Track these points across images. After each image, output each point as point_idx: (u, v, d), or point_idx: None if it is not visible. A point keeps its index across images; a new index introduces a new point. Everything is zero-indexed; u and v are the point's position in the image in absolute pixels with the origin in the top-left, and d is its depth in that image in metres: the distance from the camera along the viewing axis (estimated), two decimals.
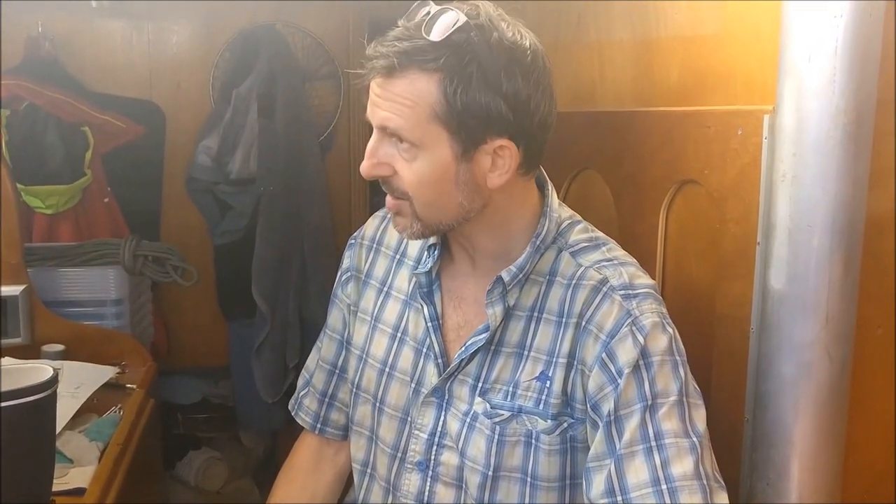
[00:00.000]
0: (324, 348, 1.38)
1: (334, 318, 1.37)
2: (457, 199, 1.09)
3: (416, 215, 1.10)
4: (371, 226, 1.34)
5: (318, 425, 1.38)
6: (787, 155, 1.13)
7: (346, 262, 1.35)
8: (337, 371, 1.36)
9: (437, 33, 1.01)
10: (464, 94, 1.02)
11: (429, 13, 1.03)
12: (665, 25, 1.49)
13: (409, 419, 1.21)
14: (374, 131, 1.09)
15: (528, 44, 1.06)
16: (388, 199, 1.13)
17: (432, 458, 1.19)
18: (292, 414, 1.42)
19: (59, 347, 1.93)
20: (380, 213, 1.34)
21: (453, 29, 1.01)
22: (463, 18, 1.02)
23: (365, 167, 1.09)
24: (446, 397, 1.18)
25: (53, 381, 1.04)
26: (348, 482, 1.40)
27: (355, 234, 1.36)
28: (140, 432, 1.72)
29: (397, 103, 1.04)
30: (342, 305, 1.35)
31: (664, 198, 1.44)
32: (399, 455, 1.22)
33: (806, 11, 1.10)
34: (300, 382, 1.42)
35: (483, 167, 1.08)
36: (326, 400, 1.37)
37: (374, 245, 1.32)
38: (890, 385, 1.24)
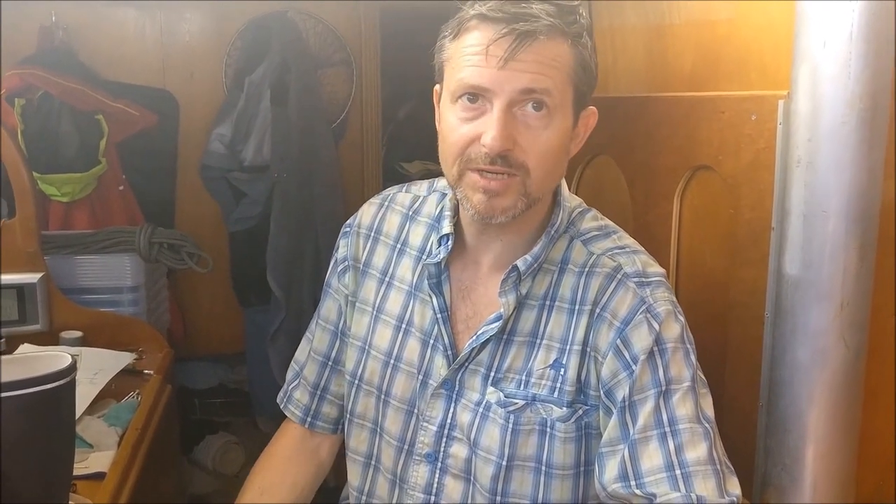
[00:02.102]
0: (316, 339, 1.35)
1: (328, 308, 1.33)
2: (562, 168, 1.12)
3: (524, 192, 1.06)
4: (368, 213, 1.31)
5: (309, 418, 1.35)
6: (802, 140, 1.13)
7: (341, 251, 1.31)
8: (330, 363, 1.33)
9: None
10: (587, 59, 1.07)
11: None
12: (678, 11, 1.49)
13: (415, 411, 1.20)
14: (500, 102, 1.02)
15: None
16: (488, 179, 1.05)
17: (441, 449, 1.18)
18: (280, 407, 1.38)
19: (77, 334, 1.95)
20: (376, 201, 1.32)
21: None
22: None
23: (499, 139, 1.02)
24: (456, 388, 1.17)
25: (72, 369, 1.05)
26: (337, 478, 1.39)
27: (350, 221, 1.32)
28: (158, 417, 1.74)
29: (545, 65, 1.03)
30: (337, 296, 1.32)
31: (678, 184, 1.44)
32: (406, 447, 1.21)
33: None
34: (289, 375, 1.39)
35: (572, 136, 1.11)
36: (318, 392, 1.34)
37: (372, 234, 1.29)
38: None
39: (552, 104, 1.04)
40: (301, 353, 1.39)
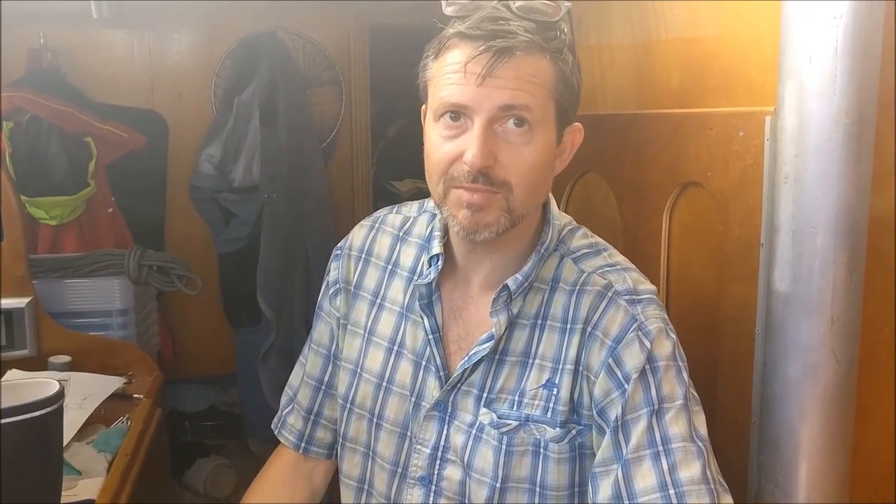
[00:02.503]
0: (308, 364, 1.34)
1: (320, 332, 1.32)
2: (547, 185, 1.12)
3: (507, 208, 1.05)
4: (359, 236, 1.30)
5: (303, 444, 1.34)
6: (789, 156, 1.13)
7: (332, 274, 1.30)
8: (323, 387, 1.32)
9: (552, 14, 1.04)
10: (572, 76, 1.07)
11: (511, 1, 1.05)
12: (665, 27, 1.49)
13: (408, 434, 1.19)
14: (482, 118, 1.02)
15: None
16: (472, 195, 1.04)
17: (435, 472, 1.17)
18: (275, 433, 1.37)
19: (66, 359, 1.93)
20: (366, 223, 1.31)
21: (564, 12, 1.05)
22: (566, 5, 1.06)
23: (478, 157, 1.01)
24: (449, 410, 1.16)
25: (59, 396, 1.04)
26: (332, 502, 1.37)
27: (341, 244, 1.31)
28: (148, 442, 1.72)
29: (525, 81, 1.02)
30: (329, 319, 1.31)
31: (667, 200, 1.44)
32: (399, 471, 1.20)
33: (806, 12, 1.10)
34: (283, 400, 1.37)
35: (557, 153, 1.10)
36: (312, 417, 1.33)
37: (363, 255, 1.28)
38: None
39: (533, 120, 1.03)
40: (295, 377, 1.37)
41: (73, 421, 1.58)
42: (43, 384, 1.05)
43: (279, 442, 1.38)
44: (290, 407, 1.36)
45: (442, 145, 1.06)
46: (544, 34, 1.03)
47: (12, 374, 1.78)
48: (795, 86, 1.11)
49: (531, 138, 1.04)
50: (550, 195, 1.19)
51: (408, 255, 1.25)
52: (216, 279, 2.85)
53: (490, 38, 1.01)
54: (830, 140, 1.09)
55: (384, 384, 1.22)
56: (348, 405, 1.26)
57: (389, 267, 1.26)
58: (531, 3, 1.04)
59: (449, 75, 1.04)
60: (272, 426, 1.38)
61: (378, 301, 1.25)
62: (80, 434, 1.61)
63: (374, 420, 1.22)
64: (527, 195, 1.06)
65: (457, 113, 1.04)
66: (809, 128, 1.10)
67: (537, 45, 1.02)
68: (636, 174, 1.53)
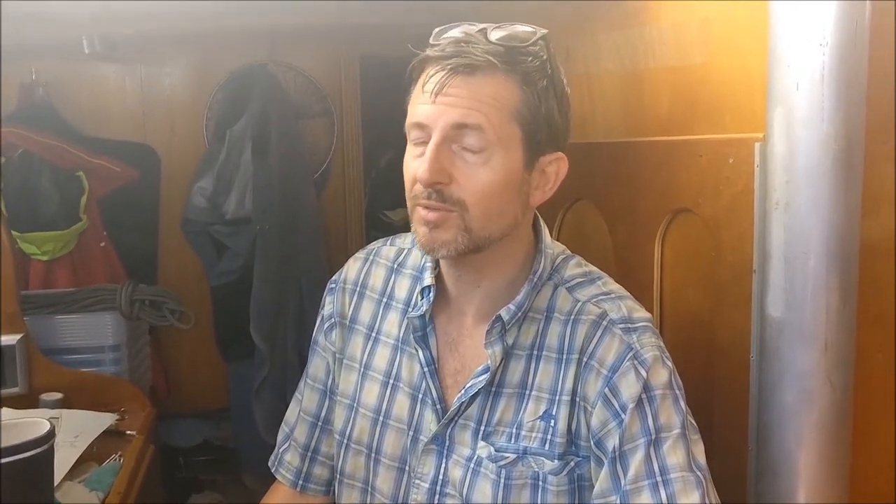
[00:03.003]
0: (305, 399, 1.32)
1: (316, 367, 1.31)
2: (513, 210, 1.09)
3: (465, 227, 1.06)
4: (353, 269, 1.29)
5: (300, 482, 1.32)
6: (779, 183, 1.13)
7: (327, 308, 1.29)
8: (320, 423, 1.30)
9: (521, 39, 1.05)
10: (543, 100, 1.05)
11: (490, 27, 1.06)
12: (652, 56, 1.51)
13: (407, 468, 1.18)
14: (437, 135, 1.03)
15: (563, 72, 1.11)
16: (428, 211, 1.06)
17: None
18: (272, 471, 1.35)
19: (58, 396, 1.92)
20: (360, 255, 1.30)
21: (535, 38, 1.05)
22: (541, 30, 1.06)
23: (427, 172, 1.03)
24: (447, 444, 1.15)
25: (50, 436, 1.03)
26: None
27: (335, 277, 1.31)
28: (141, 480, 1.70)
29: (480, 101, 1.03)
30: (325, 354, 1.29)
31: (659, 227, 1.45)
32: None
33: (792, 39, 1.10)
34: (280, 437, 1.35)
35: (534, 181, 1.09)
36: (309, 454, 1.31)
37: (358, 289, 1.27)
38: (891, 410, 1.23)
39: (488, 141, 1.03)
40: (291, 413, 1.36)
41: (64, 459, 1.56)
42: (33, 424, 1.04)
43: (274, 477, 1.36)
44: (286, 444, 1.34)
45: (409, 164, 1.08)
46: (512, 57, 1.03)
47: (3, 413, 1.76)
48: (784, 112, 1.12)
49: (488, 159, 1.04)
50: (542, 224, 1.19)
51: (402, 287, 1.24)
52: (209, 312, 2.83)
53: (449, 58, 1.03)
54: (820, 166, 1.09)
55: (381, 418, 1.20)
56: (345, 441, 1.24)
57: (384, 300, 1.25)
58: (506, 30, 1.05)
59: (415, 96, 1.07)
60: (269, 464, 1.36)
61: (373, 334, 1.24)
62: (73, 472, 1.59)
63: (372, 455, 1.21)
64: (484, 216, 1.06)
65: (420, 132, 1.06)
66: (799, 154, 1.11)
67: (501, 67, 1.03)
68: (627, 202, 1.53)
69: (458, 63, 1.02)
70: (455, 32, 1.07)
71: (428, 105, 1.04)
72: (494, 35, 1.04)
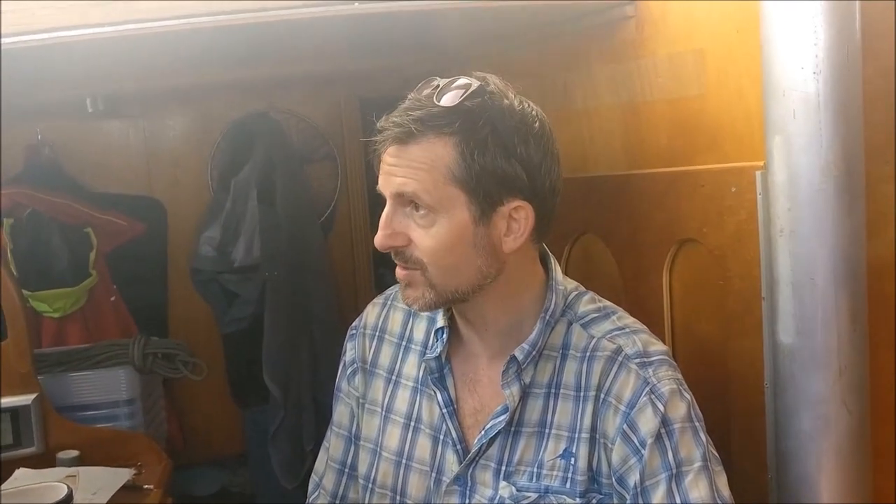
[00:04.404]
0: (332, 448, 1.33)
1: (340, 413, 1.32)
2: (475, 264, 1.09)
3: (429, 284, 1.09)
4: (372, 314, 1.31)
5: None
6: (782, 210, 1.14)
7: (349, 354, 1.31)
8: (347, 469, 1.31)
9: (451, 99, 1.04)
10: (481, 156, 1.04)
11: (438, 85, 1.07)
12: (649, 89, 1.52)
13: None
14: (388, 202, 1.09)
15: (534, 111, 1.10)
16: (399, 269, 1.11)
17: None
18: None
19: (74, 454, 1.91)
20: (379, 301, 1.32)
21: (467, 94, 1.05)
22: (476, 84, 1.06)
23: (380, 238, 1.09)
24: (469, 484, 1.15)
25: (67, 500, 1.03)
26: None
27: (355, 323, 1.33)
28: None
29: (414, 168, 1.05)
30: (349, 400, 1.31)
31: (665, 258, 1.45)
32: None
33: (786, 68, 1.12)
34: (310, 487, 1.37)
35: (499, 230, 1.09)
36: (337, 502, 1.32)
37: (377, 333, 1.29)
38: None
39: (428, 205, 1.06)
40: (319, 462, 1.37)
41: None
42: (50, 489, 1.05)
43: None
44: (315, 493, 1.35)
45: None
46: (446, 119, 1.04)
47: (21, 473, 1.76)
48: (782, 140, 1.13)
49: (434, 221, 1.06)
50: (554, 261, 1.20)
51: (420, 330, 1.25)
52: (221, 360, 2.84)
53: (387, 129, 1.06)
54: (821, 192, 1.10)
55: (404, 461, 1.21)
56: (370, 485, 1.25)
57: (403, 343, 1.27)
58: (449, 88, 1.06)
59: None
60: None
61: (393, 378, 1.26)
62: None
63: (397, 498, 1.22)
64: (443, 273, 1.09)
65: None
66: (799, 181, 1.12)
67: (433, 130, 1.04)
68: (632, 233, 1.54)
69: (392, 133, 1.05)
70: (412, 95, 1.09)
71: (380, 174, 1.09)
72: (441, 94, 1.05)
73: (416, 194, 1.05)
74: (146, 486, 1.86)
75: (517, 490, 1.12)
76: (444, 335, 1.19)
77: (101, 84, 2.38)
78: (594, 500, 1.09)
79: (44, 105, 2.51)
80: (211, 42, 1.64)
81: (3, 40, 1.25)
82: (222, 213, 2.77)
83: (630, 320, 1.18)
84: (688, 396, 1.09)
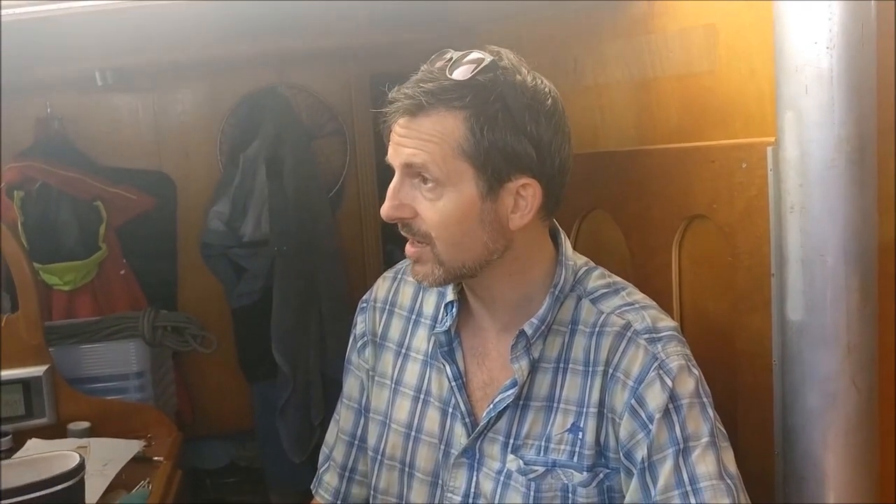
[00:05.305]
0: (342, 419, 1.34)
1: (350, 386, 1.34)
2: (481, 239, 1.09)
3: (437, 260, 1.09)
4: (382, 287, 1.32)
5: (339, 502, 1.34)
6: (793, 186, 1.13)
7: (359, 327, 1.32)
8: (356, 442, 1.33)
9: (463, 73, 1.04)
10: (490, 132, 1.04)
11: (451, 58, 1.06)
12: (660, 65, 1.51)
13: (440, 482, 1.19)
14: (397, 173, 1.09)
15: (547, 88, 1.09)
16: (408, 246, 1.12)
17: None
18: (313, 492, 1.38)
19: (85, 425, 1.94)
20: (389, 274, 1.33)
21: (480, 68, 1.04)
22: (489, 58, 1.05)
23: (386, 209, 1.09)
24: (477, 457, 1.16)
25: (80, 469, 1.05)
26: None
27: (365, 297, 1.34)
28: None
29: (423, 140, 1.05)
30: (359, 372, 1.32)
31: (674, 234, 1.45)
32: None
33: (798, 43, 1.10)
34: (320, 458, 1.39)
35: (506, 206, 1.08)
36: (347, 474, 1.34)
37: (387, 307, 1.30)
38: None
39: (436, 178, 1.06)
40: (330, 435, 1.38)
41: (94, 488, 1.57)
42: (63, 457, 1.06)
43: (300, 495, 1.37)
44: (326, 465, 1.37)
45: None
46: (457, 92, 1.04)
47: (33, 444, 1.78)
48: (794, 116, 1.12)
49: (441, 194, 1.07)
50: (564, 237, 1.20)
51: (430, 304, 1.26)
52: (231, 335, 2.85)
53: (398, 100, 1.06)
54: (833, 168, 1.09)
55: (413, 433, 1.22)
56: (379, 457, 1.26)
57: (413, 316, 1.27)
58: (461, 62, 1.05)
59: None
60: (311, 487, 1.39)
61: (403, 351, 1.27)
62: (102, 500, 1.60)
63: (406, 470, 1.23)
64: (451, 248, 1.09)
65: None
66: (811, 157, 1.11)
67: (444, 103, 1.04)
68: (642, 209, 1.53)
69: (403, 104, 1.05)
70: (424, 67, 1.08)
71: (390, 145, 1.09)
72: (454, 67, 1.05)
73: (425, 166, 1.05)
74: (156, 458, 1.88)
75: (525, 463, 1.13)
76: (454, 309, 1.20)
77: (110, 58, 2.38)
78: (601, 474, 1.10)
79: (53, 78, 2.51)
80: (221, 16, 1.63)
81: (12, 11, 1.25)
82: (231, 187, 2.78)
83: (640, 296, 1.18)
84: (696, 372, 1.09)
